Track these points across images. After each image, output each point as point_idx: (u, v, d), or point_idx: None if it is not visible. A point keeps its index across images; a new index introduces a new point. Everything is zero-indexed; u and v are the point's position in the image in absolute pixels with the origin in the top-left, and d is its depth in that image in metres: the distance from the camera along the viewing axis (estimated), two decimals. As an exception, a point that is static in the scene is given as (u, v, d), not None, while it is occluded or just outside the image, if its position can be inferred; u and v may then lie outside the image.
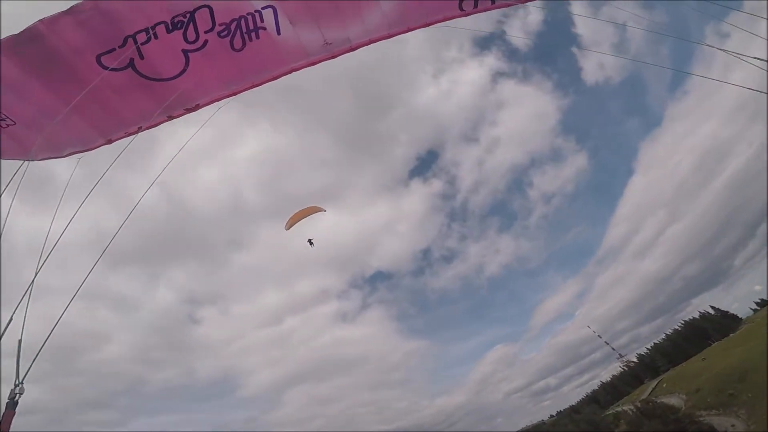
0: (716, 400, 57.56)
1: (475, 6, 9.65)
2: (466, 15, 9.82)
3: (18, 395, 5.70)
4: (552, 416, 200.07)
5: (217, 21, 8.24)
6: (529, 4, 9.91)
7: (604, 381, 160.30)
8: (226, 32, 8.42)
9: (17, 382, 5.84)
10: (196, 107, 9.54)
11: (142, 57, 8.13)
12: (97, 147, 9.49)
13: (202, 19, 8.11)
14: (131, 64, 8.20)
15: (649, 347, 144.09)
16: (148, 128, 9.32)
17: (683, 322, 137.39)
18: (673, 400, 74.22)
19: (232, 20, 8.36)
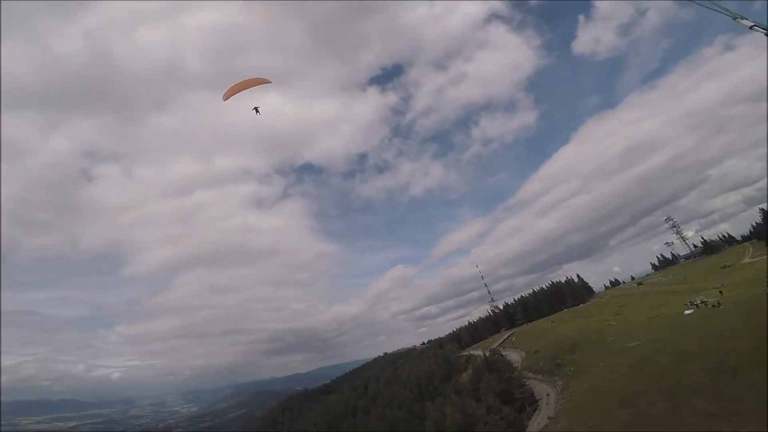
0: (546, 366, 62.44)
1: None
2: None
3: None
4: (423, 344, 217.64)
5: None
6: None
7: (472, 321, 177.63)
8: None
9: None
10: None
11: None
12: None
13: None
14: None
15: (517, 299, 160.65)
16: None
17: (550, 283, 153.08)
18: (515, 356, 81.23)
19: None
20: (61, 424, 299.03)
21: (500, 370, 63.00)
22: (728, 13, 5.41)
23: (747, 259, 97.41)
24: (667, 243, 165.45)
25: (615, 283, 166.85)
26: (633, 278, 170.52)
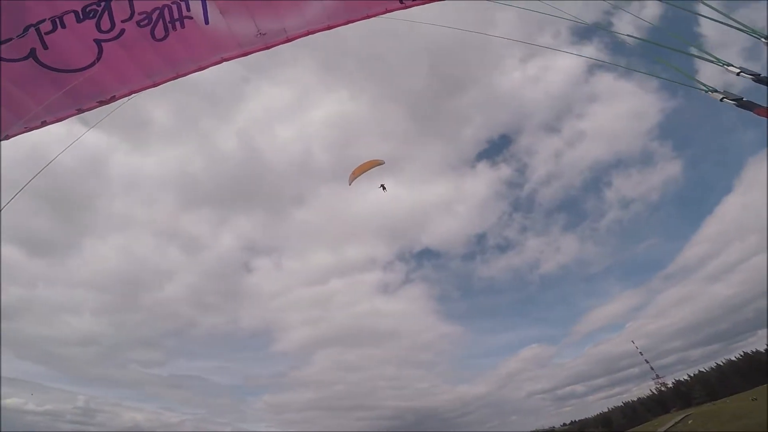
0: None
1: None
2: (406, 8, 9.40)
3: None
4: (565, 424, 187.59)
5: (137, 10, 8.09)
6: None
7: (630, 400, 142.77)
8: (146, 21, 8.26)
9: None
10: (112, 99, 9.16)
11: (45, 47, 7.99)
12: None
13: (120, 8, 7.99)
14: (32, 54, 7.99)
15: (692, 374, 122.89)
16: (53, 122, 9.00)
17: (742, 354, 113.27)
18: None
19: (155, 9, 8.23)
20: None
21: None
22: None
23: None
24: None
25: None
26: None
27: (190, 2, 8.15)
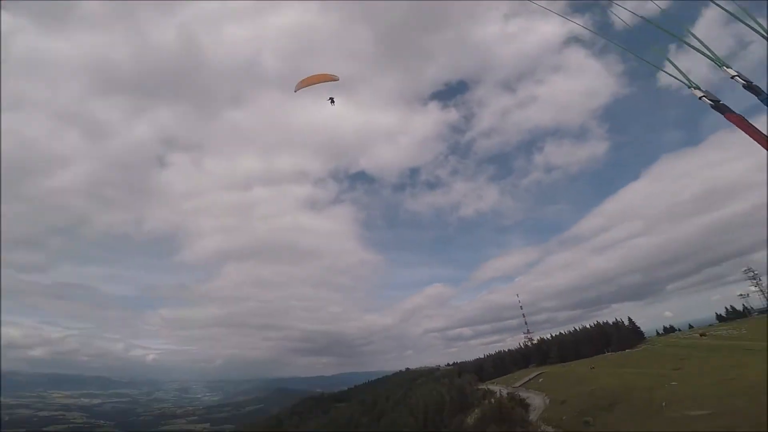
0: (571, 422, 48.82)
1: None
2: None
3: None
4: (448, 365, 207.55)
5: None
6: None
7: (504, 350, 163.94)
8: None
9: None
10: None
11: None
12: None
13: None
14: None
15: (554, 334, 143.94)
16: None
17: (595, 323, 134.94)
18: (537, 401, 67.28)
19: None
20: (87, 400, 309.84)
21: (512, 420, 50.18)
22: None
23: None
24: (741, 294, 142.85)
25: (669, 330, 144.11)
26: (691, 326, 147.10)
27: None
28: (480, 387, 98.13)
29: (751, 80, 4.37)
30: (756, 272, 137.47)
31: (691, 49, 5.15)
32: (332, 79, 22.41)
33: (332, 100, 24.86)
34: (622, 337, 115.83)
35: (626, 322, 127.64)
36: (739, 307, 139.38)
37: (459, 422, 64.76)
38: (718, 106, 4.66)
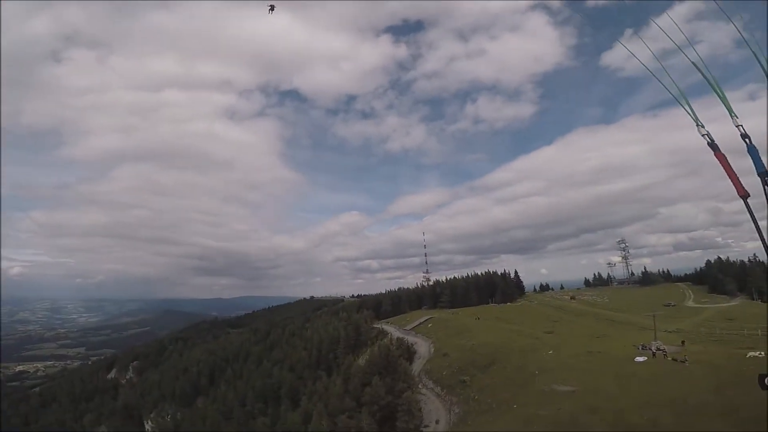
0: (449, 379, 50.56)
1: None
2: None
3: None
4: (353, 296, 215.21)
5: None
6: None
7: (402, 287, 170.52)
8: None
9: None
10: None
11: None
12: None
13: None
14: None
15: (448, 278, 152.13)
16: None
17: (485, 272, 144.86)
18: (423, 348, 69.86)
19: None
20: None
21: (396, 372, 50.23)
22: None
23: (691, 303, 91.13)
24: (609, 263, 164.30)
25: (545, 288, 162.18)
26: (563, 287, 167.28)
27: None
28: (375, 326, 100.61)
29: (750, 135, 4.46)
30: (627, 244, 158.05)
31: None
32: None
33: (272, 8, 23.14)
34: (507, 288, 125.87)
35: (512, 275, 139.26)
36: (605, 275, 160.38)
37: (349, 363, 64.68)
38: (711, 144, 4.73)
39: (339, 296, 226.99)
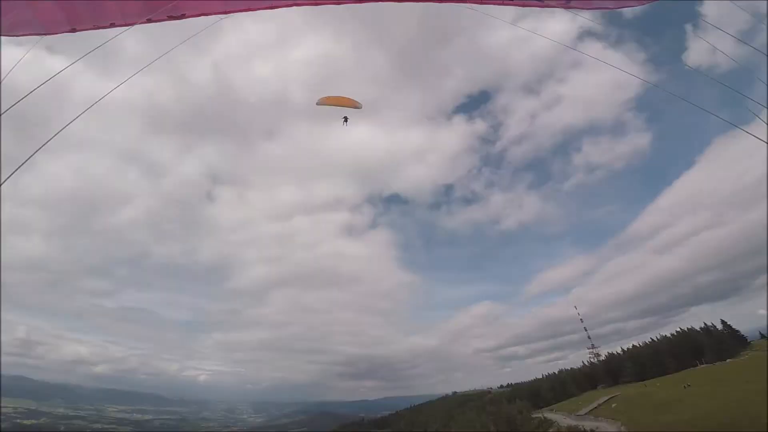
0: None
1: None
2: (483, 3, 9.77)
3: None
4: (502, 386, 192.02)
5: None
6: None
7: (564, 368, 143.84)
8: None
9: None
10: (181, 17, 9.37)
11: None
12: (60, 33, 9.20)
13: None
14: None
15: (626, 348, 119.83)
16: (121, 26, 9.10)
17: (678, 330, 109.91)
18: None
19: None
20: (139, 415, 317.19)
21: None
22: None
23: None
24: None
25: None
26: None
27: None
28: (535, 416, 78.97)
29: None
30: None
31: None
32: (355, 105, 22.69)
33: (345, 119, 25.41)
34: (718, 343, 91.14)
35: (719, 326, 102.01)
36: None
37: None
38: None
39: (485, 388, 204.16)
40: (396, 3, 9.51)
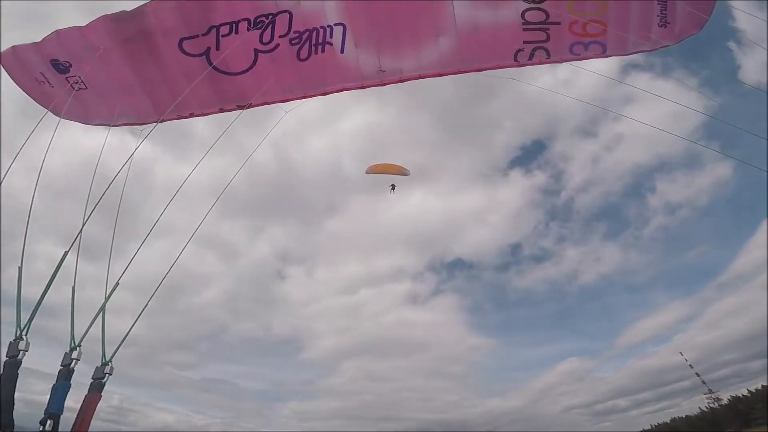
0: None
1: (530, 58, 9.88)
2: (520, 66, 10.09)
3: (107, 376, 5.94)
4: None
5: (293, 28, 9.09)
6: None
7: (678, 416, 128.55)
8: (297, 40, 9.21)
9: (105, 361, 6.00)
10: (248, 106, 10.27)
11: (218, 48, 9.06)
12: (149, 123, 10.11)
13: (281, 24, 9.00)
14: (206, 53, 9.12)
15: (752, 389, 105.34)
16: (198, 116, 10.42)
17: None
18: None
19: (306, 30, 9.13)
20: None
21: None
22: None
23: None
24: None
25: None
26: None
27: (334, 28, 9.09)
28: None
29: None
30: None
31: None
32: (403, 172, 22.81)
33: (393, 187, 25.25)
34: None
35: None
36: None
37: None
38: None
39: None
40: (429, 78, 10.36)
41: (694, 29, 9.94)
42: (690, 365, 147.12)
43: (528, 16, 9.39)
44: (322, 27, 8.93)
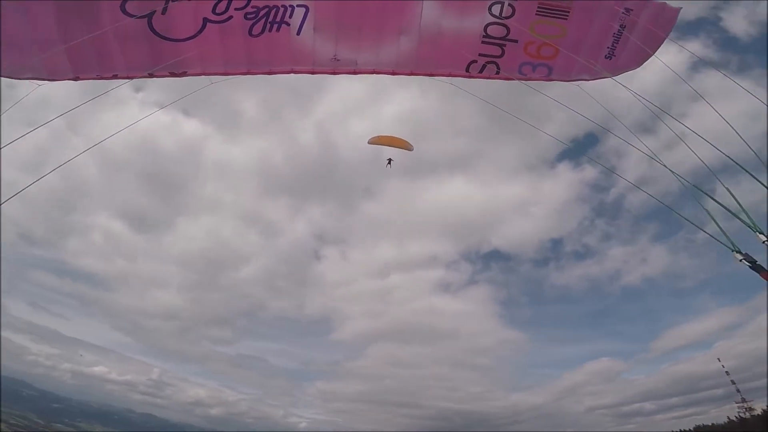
0: None
1: (481, 71, 10.16)
2: (470, 77, 10.31)
3: None
4: None
5: (252, 3, 8.73)
6: None
7: (703, 423, 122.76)
8: (253, 15, 8.84)
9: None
10: (183, 74, 9.71)
11: (164, 13, 8.61)
12: (62, 80, 9.49)
13: None
14: (150, 15, 8.61)
15: None
16: (122, 78, 9.46)
17: None
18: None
19: (265, 6, 8.81)
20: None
21: None
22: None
23: None
24: None
25: None
26: None
27: (296, 9, 8.83)
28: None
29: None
30: None
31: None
32: (407, 147, 22.48)
33: (389, 161, 25.17)
34: None
35: None
36: None
37: None
38: (755, 267, 5.04)
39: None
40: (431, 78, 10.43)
41: (634, 65, 10.82)
42: (726, 371, 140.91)
43: (490, 30, 9.57)
44: (283, 6, 8.72)
